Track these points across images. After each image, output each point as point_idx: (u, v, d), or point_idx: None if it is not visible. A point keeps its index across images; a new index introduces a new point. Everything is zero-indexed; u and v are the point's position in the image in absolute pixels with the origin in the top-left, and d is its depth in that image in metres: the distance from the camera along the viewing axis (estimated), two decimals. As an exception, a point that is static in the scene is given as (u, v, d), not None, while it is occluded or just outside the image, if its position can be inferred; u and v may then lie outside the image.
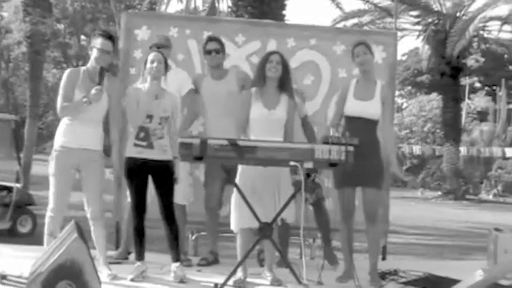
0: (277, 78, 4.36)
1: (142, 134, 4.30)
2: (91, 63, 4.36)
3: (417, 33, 20.63)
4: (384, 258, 5.59)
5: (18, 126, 11.42)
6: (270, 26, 5.82)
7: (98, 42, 4.33)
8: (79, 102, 4.21)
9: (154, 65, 4.33)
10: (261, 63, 4.41)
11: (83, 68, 4.41)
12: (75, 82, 4.28)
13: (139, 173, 4.32)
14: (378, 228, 4.57)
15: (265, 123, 4.31)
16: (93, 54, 4.34)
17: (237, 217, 4.31)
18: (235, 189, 4.26)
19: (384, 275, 4.63)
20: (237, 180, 4.29)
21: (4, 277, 3.86)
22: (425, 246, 8.92)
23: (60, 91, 4.28)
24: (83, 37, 31.30)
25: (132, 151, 4.33)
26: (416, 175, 23.01)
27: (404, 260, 6.67)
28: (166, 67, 4.45)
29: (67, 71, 4.37)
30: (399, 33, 17.18)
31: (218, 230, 5.06)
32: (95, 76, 4.30)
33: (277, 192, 4.28)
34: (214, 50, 4.98)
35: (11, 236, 8.98)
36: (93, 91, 4.18)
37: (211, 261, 4.96)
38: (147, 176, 4.36)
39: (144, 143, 4.29)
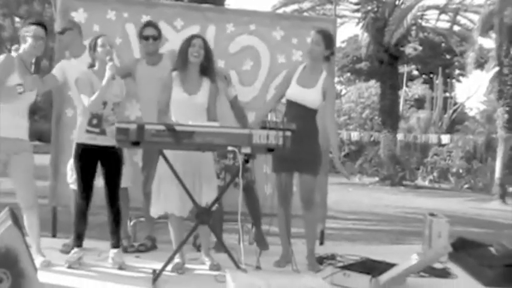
0: (199, 63, 4.34)
1: (95, 121, 4.29)
2: (24, 51, 4.22)
3: (356, 20, 20.84)
4: (321, 243, 5.69)
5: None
6: (209, 11, 5.76)
7: (31, 29, 4.22)
8: (12, 88, 4.08)
9: (107, 47, 4.30)
10: (184, 47, 4.34)
11: (15, 55, 4.22)
12: (10, 68, 4.13)
13: (89, 158, 4.31)
14: (314, 214, 4.63)
15: (186, 107, 4.29)
16: (28, 42, 4.21)
17: (158, 203, 4.30)
18: (156, 175, 4.25)
19: (321, 260, 4.72)
20: (158, 164, 4.27)
21: None
22: (363, 231, 9.10)
23: None
24: (17, 19, 30.19)
25: (84, 137, 4.31)
26: (354, 161, 23.39)
27: (342, 245, 6.78)
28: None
29: (2, 56, 4.21)
30: (339, 20, 17.32)
31: None
32: (29, 65, 4.21)
33: (197, 175, 4.26)
34: (151, 36, 4.91)
35: None
36: (28, 80, 4.09)
37: (149, 246, 4.95)
38: (97, 161, 4.34)
39: (97, 130, 4.29)
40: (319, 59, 4.56)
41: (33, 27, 4.22)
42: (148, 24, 5.01)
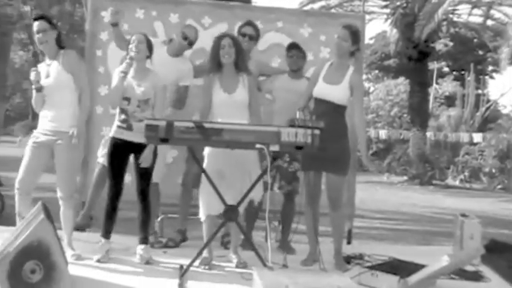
0: (232, 62, 4.38)
1: (122, 116, 4.38)
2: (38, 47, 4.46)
3: (385, 16, 20.66)
4: (349, 242, 5.67)
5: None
6: (236, 8, 5.78)
7: (34, 25, 4.33)
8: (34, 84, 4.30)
9: (134, 45, 4.35)
10: (215, 50, 4.39)
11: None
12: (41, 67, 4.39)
13: (120, 153, 4.38)
14: (341, 213, 4.60)
15: (227, 106, 4.33)
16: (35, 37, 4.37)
17: (205, 204, 4.34)
18: (202, 176, 4.27)
19: (349, 259, 4.69)
20: (205, 165, 4.30)
21: (-27, 256, 3.89)
22: (390, 231, 9.03)
23: None
24: (49, 19, 30.82)
25: (114, 131, 4.41)
26: (382, 160, 23.17)
27: (369, 244, 6.75)
28: (151, 48, 4.46)
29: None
30: (367, 17, 17.24)
31: (190, 210, 5.08)
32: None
33: (247, 176, 4.30)
34: (248, 35, 5.03)
35: (-21, 216, 8.83)
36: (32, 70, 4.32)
37: (178, 241, 4.99)
38: (128, 156, 4.41)
39: (124, 125, 4.37)
40: (346, 55, 4.54)
41: (36, 23, 4.33)
42: (248, 23, 5.15)
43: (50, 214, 3.66)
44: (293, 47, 5.09)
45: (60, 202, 4.35)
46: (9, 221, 4.49)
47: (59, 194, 4.34)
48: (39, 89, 4.27)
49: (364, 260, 4.71)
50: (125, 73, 4.30)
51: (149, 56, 4.48)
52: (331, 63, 4.60)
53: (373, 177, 17.97)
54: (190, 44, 5.02)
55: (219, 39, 4.42)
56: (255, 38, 5.11)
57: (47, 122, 4.30)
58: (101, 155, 5.01)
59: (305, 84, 4.78)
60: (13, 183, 4.32)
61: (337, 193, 4.50)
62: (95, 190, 5.02)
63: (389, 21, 20.59)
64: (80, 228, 4.80)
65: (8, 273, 3.28)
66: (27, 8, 26.32)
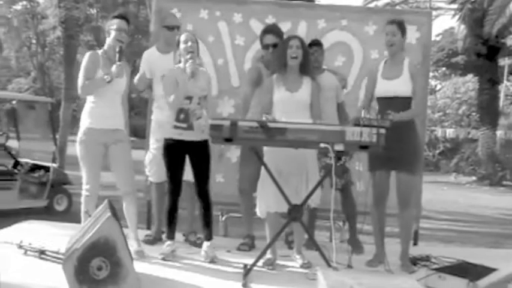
0: (298, 64, 4.36)
1: (182, 116, 4.37)
2: (108, 45, 4.43)
3: (453, 12, 20.17)
4: (415, 244, 5.56)
5: (54, 108, 11.69)
6: (300, 7, 5.77)
7: (114, 23, 4.40)
8: (100, 79, 4.29)
9: (189, 44, 4.38)
10: (282, 49, 4.39)
11: (100, 51, 4.45)
12: (96, 63, 4.34)
13: (177, 153, 4.41)
14: (410, 214, 4.52)
15: (288, 104, 4.31)
16: (111, 35, 4.41)
17: (263, 201, 4.34)
18: (261, 174, 4.27)
19: (415, 261, 4.60)
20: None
21: (43, 252, 4.07)
22: (458, 233, 8.81)
23: (82, 71, 4.34)
24: (114, 21, 31.75)
25: (171, 132, 4.41)
26: (450, 159, 22.59)
27: (436, 246, 6.61)
28: (197, 47, 4.49)
29: (88, 53, 4.43)
30: (434, 13, 16.83)
31: (253, 212, 5.09)
32: (113, 56, 4.37)
33: (304, 174, 4.28)
34: (271, 44, 4.84)
35: (48, 213, 9.18)
36: (113, 67, 4.28)
37: (250, 245, 4.93)
38: (185, 156, 4.43)
39: (184, 125, 4.37)
40: (400, 49, 4.49)
41: (116, 20, 4.40)
42: (267, 31, 4.95)
43: (116, 212, 3.73)
44: (315, 44, 5.03)
45: (124, 198, 4.44)
46: (76, 219, 4.61)
47: (122, 190, 4.42)
48: (109, 82, 4.31)
49: (431, 262, 4.60)
50: (194, 73, 4.35)
51: (198, 54, 4.52)
52: (385, 61, 4.57)
53: (439, 177, 17.57)
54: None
55: (288, 39, 4.42)
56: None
57: (104, 120, 4.34)
58: (150, 174, 5.02)
59: (327, 77, 4.86)
60: (81, 181, 4.43)
61: (408, 192, 4.42)
62: (157, 208, 5.05)
63: (457, 17, 20.09)
64: (150, 242, 4.88)
65: (76, 270, 3.36)
66: (93, 11, 27.17)
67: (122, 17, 4.47)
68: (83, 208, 4.39)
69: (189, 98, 4.36)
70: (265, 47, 4.90)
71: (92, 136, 4.33)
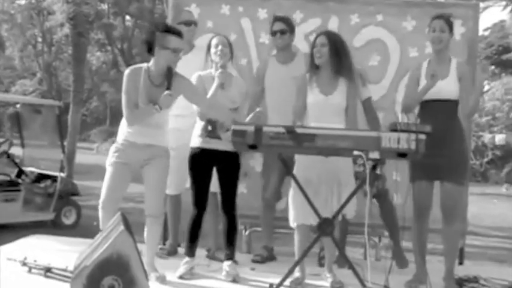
0: (328, 62, 4.36)
1: (210, 127, 4.40)
2: (156, 63, 4.18)
3: (504, 3, 19.99)
4: (461, 263, 5.54)
5: (62, 112, 11.78)
6: (330, 1, 5.78)
7: (170, 40, 4.12)
8: (149, 110, 4.13)
9: (219, 48, 4.43)
10: (311, 48, 4.43)
11: (143, 67, 4.24)
12: (136, 83, 4.17)
13: (204, 164, 4.45)
14: (456, 228, 4.49)
15: (322, 108, 4.34)
16: (163, 54, 4.14)
17: (294, 212, 4.37)
18: (292, 182, 4.30)
19: (461, 282, 4.57)
20: (294, 171, 4.33)
21: (49, 270, 4.10)
22: (510, 251, 8.71)
23: (124, 96, 4.18)
24: (127, 17, 31.82)
25: (198, 141, 4.47)
26: (500, 169, 22.35)
27: (484, 265, 6.54)
28: (232, 51, 4.55)
29: (127, 72, 4.21)
30: (481, 5, 16.70)
31: (274, 224, 5.14)
32: (158, 78, 4.18)
33: (336, 185, 4.29)
34: (279, 31, 5.04)
35: (55, 227, 9.29)
36: (163, 96, 4.05)
37: (265, 256, 5.05)
38: (212, 167, 4.48)
39: (212, 135, 4.41)
40: (447, 46, 4.50)
41: (172, 37, 4.13)
42: (277, 18, 5.14)
43: (129, 225, 3.72)
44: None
45: (148, 219, 4.34)
46: (86, 233, 4.64)
47: (148, 211, 4.32)
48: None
49: (480, 284, 4.58)
50: (222, 84, 4.38)
51: (231, 59, 4.56)
52: (429, 61, 4.57)
53: (488, 188, 17.39)
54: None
55: (316, 36, 4.45)
56: (287, 31, 5.06)
57: (140, 134, 4.26)
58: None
59: None
60: (91, 192, 4.48)
61: (453, 205, 4.40)
62: (173, 220, 5.16)
63: (508, 8, 19.88)
64: (164, 256, 4.95)
65: (85, 289, 3.38)
66: (104, 7, 27.41)
67: (179, 34, 4.19)
68: (101, 226, 4.26)
69: None
70: (273, 33, 5.09)
71: (127, 148, 4.26)
